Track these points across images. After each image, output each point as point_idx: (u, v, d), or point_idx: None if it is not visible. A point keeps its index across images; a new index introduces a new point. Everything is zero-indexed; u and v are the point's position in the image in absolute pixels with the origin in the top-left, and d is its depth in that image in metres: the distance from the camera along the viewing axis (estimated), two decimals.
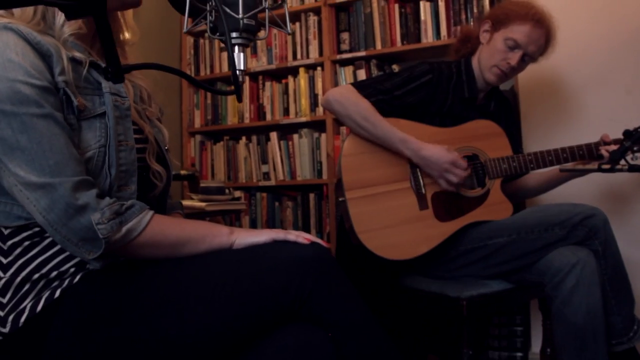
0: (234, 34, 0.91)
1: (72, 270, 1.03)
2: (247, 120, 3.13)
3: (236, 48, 0.93)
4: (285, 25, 0.97)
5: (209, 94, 3.24)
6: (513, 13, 1.90)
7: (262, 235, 1.08)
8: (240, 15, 0.88)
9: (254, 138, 3.11)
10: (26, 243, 1.03)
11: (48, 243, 1.03)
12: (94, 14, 0.78)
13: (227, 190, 2.13)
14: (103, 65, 1.10)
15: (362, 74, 2.79)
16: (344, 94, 1.86)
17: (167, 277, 1.02)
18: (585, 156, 1.89)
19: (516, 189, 2.10)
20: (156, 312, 0.97)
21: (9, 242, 1.02)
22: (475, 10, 2.58)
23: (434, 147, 1.80)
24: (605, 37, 2.26)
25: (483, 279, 1.84)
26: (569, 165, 1.85)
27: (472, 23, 2.58)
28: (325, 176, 2.89)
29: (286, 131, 3.06)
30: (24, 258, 1.02)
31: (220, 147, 3.21)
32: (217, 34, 0.93)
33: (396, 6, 2.74)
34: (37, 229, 1.03)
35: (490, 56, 1.95)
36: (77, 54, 1.06)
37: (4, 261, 1.02)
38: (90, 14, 0.77)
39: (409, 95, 1.90)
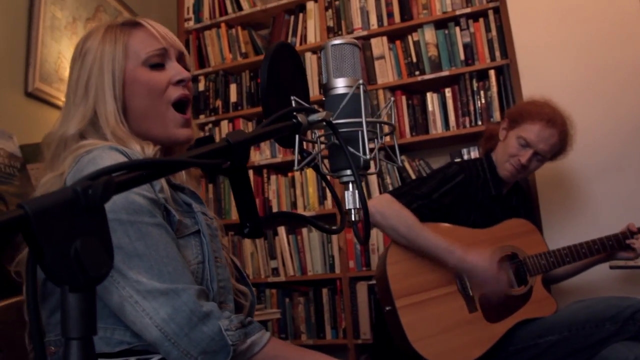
0: (348, 172, 0.89)
1: None
2: None
3: (350, 185, 0.89)
4: (396, 157, 0.94)
5: (210, 187, 3.17)
6: (526, 112, 1.97)
7: None
8: (367, 156, 0.85)
9: None
10: None
11: None
12: (229, 176, 0.75)
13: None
14: (191, 188, 1.12)
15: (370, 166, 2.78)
16: (384, 205, 1.84)
17: None
18: (615, 246, 1.93)
19: (545, 277, 2.10)
20: None
21: None
22: (483, 101, 2.63)
23: (478, 255, 1.77)
24: (617, 127, 2.32)
25: None
26: (621, 262, 1.86)
27: (480, 116, 2.63)
28: (338, 270, 2.82)
29: (295, 225, 3.00)
30: None
31: (225, 243, 3.11)
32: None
33: (403, 98, 2.78)
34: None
35: (504, 153, 2.00)
36: (170, 176, 1.07)
37: None
38: (226, 175, 0.74)
39: (445, 197, 1.91)
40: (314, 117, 0.82)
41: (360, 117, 0.86)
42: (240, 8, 3.30)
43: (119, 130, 1.04)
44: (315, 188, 2.93)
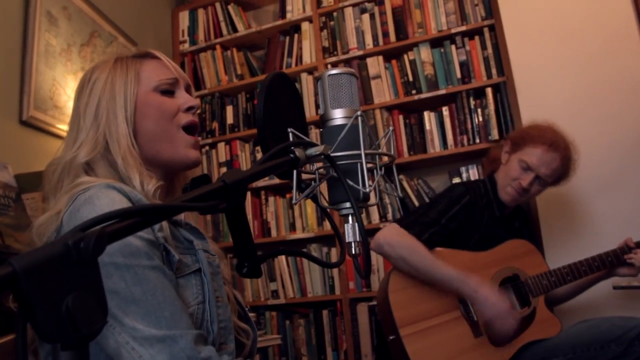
0: (347, 205, 0.87)
1: None
2: None
3: (350, 218, 0.87)
4: (395, 187, 0.93)
5: None
6: (528, 136, 1.96)
7: None
8: (367, 189, 0.83)
9: None
10: None
11: None
12: (227, 215, 0.73)
13: None
14: (193, 224, 1.09)
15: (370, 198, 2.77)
16: (394, 236, 1.82)
17: None
18: (615, 262, 1.92)
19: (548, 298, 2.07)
20: None
21: None
22: (480, 119, 2.62)
23: (492, 291, 1.71)
24: (615, 143, 2.31)
25: None
26: (623, 282, 1.84)
27: (478, 133, 2.62)
28: (338, 292, 2.80)
29: (293, 247, 2.97)
30: None
31: (223, 266, 3.08)
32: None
33: (400, 117, 2.77)
34: None
35: (505, 176, 1.99)
36: None
37: None
38: (223, 212, 0.72)
39: (452, 220, 1.89)
40: (311, 151, 0.80)
41: (359, 148, 0.85)
42: (235, 30, 3.30)
43: (129, 155, 1.04)
44: (313, 209, 2.91)
